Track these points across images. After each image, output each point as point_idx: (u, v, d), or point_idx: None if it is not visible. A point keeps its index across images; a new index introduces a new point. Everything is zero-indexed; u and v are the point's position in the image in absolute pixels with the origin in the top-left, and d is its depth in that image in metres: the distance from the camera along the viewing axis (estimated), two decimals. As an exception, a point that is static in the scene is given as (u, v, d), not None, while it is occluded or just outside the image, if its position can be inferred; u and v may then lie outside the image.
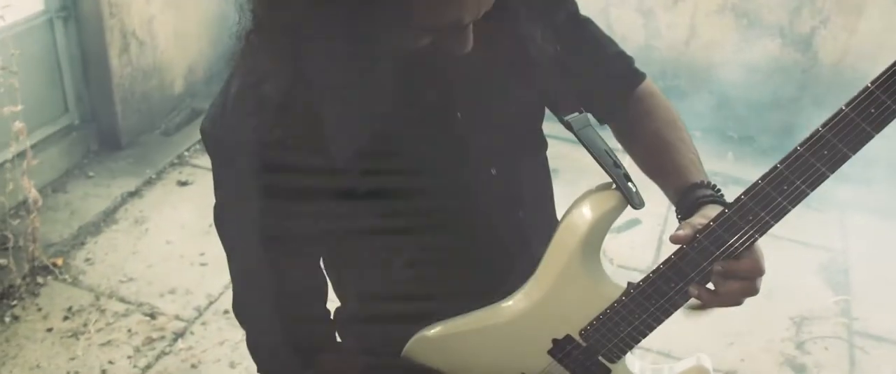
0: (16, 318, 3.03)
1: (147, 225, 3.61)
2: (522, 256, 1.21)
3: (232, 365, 2.87)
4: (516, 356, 1.20)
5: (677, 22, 4.42)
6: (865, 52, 4.11)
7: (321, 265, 1.24)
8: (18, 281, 3.18)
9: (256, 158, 1.03)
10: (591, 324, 1.16)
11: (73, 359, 2.87)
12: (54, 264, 3.28)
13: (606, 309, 1.14)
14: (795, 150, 0.99)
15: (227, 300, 3.17)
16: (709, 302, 1.09)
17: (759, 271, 1.07)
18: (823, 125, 0.97)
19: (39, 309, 3.09)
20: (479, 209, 1.17)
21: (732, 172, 3.98)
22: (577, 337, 1.17)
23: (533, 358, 1.19)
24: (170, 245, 3.48)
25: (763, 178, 1.01)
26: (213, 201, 1.17)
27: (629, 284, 1.15)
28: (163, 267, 3.34)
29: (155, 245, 3.48)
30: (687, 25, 4.40)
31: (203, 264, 3.36)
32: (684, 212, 1.16)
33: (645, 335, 1.16)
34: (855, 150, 0.97)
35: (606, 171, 1.14)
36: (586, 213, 1.13)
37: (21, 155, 3.10)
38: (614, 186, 1.13)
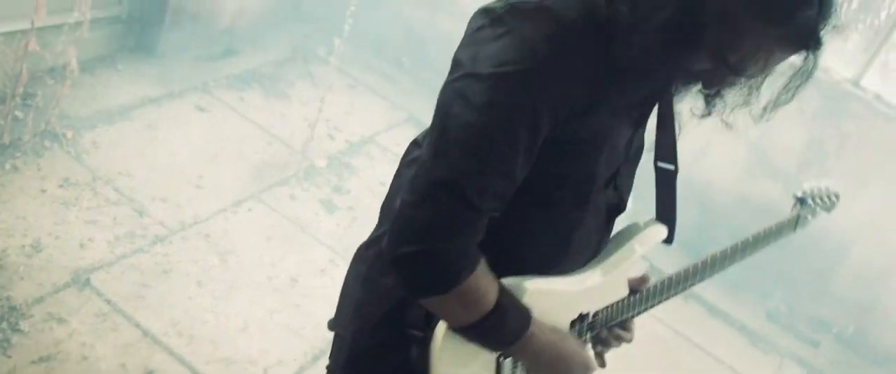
0: (16, 168, 3.11)
1: (157, 133, 3.70)
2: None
3: (200, 284, 2.97)
4: (554, 318, 1.46)
5: (694, 136, 4.64)
6: (855, 220, 4.34)
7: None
8: (27, 137, 3.26)
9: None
10: (606, 307, 1.54)
11: (57, 224, 2.95)
12: (65, 135, 3.37)
13: (617, 301, 1.56)
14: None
15: (212, 226, 3.28)
16: None
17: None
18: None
19: (39, 169, 3.17)
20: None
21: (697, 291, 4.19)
22: (591, 315, 1.51)
23: (560, 322, 1.48)
24: (173, 158, 3.58)
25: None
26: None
27: (631, 292, 1.59)
28: (161, 175, 3.44)
29: (159, 154, 3.58)
30: (704, 141, 4.63)
31: (199, 187, 3.47)
32: None
33: (617, 321, 1.59)
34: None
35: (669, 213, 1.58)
36: (648, 241, 1.57)
37: (78, 24, 3.20)
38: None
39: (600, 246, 1.55)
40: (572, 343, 1.46)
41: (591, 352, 1.57)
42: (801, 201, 1.85)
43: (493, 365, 1.45)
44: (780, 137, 4.47)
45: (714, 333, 4.11)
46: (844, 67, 4.37)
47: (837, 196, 1.93)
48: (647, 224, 1.58)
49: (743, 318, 4.30)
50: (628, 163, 1.51)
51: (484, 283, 1.29)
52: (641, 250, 1.54)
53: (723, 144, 4.57)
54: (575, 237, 1.43)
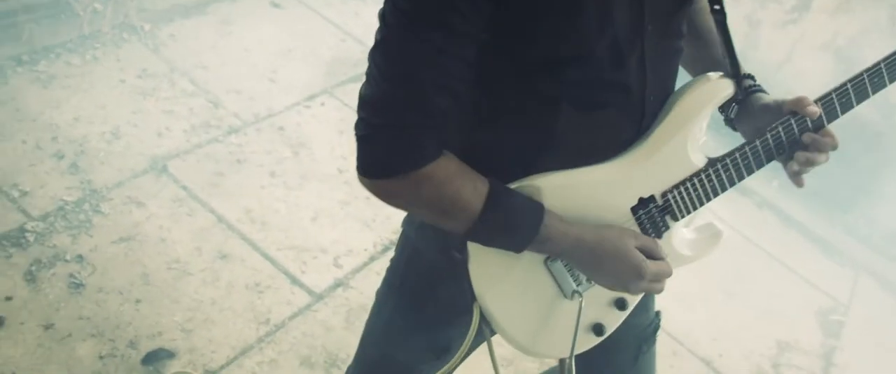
0: (96, 59, 3.18)
1: (232, 28, 3.73)
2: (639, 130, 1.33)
3: (272, 174, 3.02)
4: (606, 210, 1.29)
5: (778, 43, 4.47)
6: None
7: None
8: (107, 29, 3.32)
9: None
10: (674, 186, 1.32)
11: (136, 113, 3.02)
12: (142, 28, 3.42)
13: (691, 175, 1.32)
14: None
15: (285, 119, 3.31)
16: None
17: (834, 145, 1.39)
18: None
19: (118, 60, 3.23)
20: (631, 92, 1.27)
21: (773, 200, 4.12)
22: (658, 197, 1.32)
23: (617, 213, 1.30)
24: (247, 53, 3.61)
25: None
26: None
27: (709, 159, 1.34)
28: (235, 68, 3.47)
29: (234, 48, 3.60)
30: (786, 50, 4.46)
31: (272, 80, 3.49)
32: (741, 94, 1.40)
33: (709, 200, 1.36)
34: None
35: (731, 61, 1.37)
36: (707, 96, 1.33)
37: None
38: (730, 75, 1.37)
39: (636, 136, 1.33)
40: (612, 241, 1.26)
41: (677, 241, 1.39)
42: None
43: (542, 268, 1.31)
44: (867, 46, 4.27)
45: (788, 243, 4.03)
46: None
47: None
48: (701, 80, 1.35)
49: (819, 230, 4.19)
50: (661, 38, 1.26)
51: (456, 184, 1.18)
52: (704, 110, 1.31)
53: (807, 53, 4.40)
54: (595, 134, 1.27)
